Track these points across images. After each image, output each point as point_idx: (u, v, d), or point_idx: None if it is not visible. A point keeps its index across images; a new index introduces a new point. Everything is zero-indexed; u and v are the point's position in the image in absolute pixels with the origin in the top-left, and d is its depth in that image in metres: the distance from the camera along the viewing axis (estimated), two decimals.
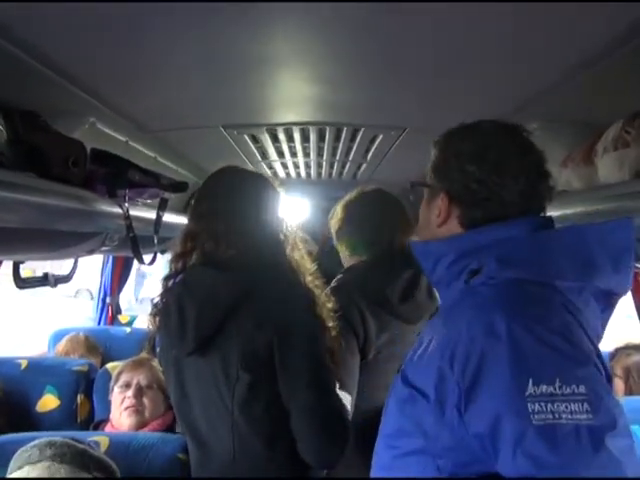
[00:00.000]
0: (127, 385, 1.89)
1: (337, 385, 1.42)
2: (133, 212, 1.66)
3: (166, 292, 1.42)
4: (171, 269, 1.44)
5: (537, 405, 0.80)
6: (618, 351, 2.01)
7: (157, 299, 1.44)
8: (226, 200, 1.44)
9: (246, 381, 1.33)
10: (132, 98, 1.49)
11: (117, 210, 1.58)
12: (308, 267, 1.49)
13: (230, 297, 1.35)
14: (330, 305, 1.45)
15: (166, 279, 1.44)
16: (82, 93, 1.36)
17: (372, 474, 1.06)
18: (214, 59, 1.20)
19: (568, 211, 1.27)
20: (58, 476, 1.16)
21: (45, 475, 1.16)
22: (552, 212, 1.34)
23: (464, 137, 1.06)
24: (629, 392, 1.93)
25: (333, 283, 1.73)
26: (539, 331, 0.84)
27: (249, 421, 1.34)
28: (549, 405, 0.79)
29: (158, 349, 1.50)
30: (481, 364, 0.85)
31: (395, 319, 1.63)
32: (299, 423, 1.32)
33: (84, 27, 1.01)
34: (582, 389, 0.80)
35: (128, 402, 1.86)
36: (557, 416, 0.79)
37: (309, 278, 1.46)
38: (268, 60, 1.22)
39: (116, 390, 1.90)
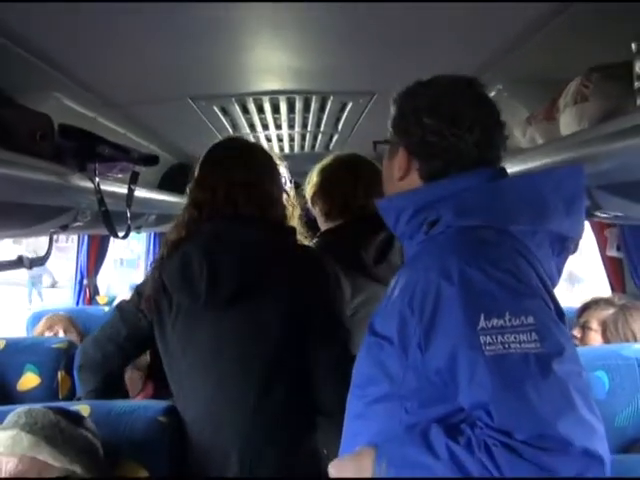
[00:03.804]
0: None
1: None
2: (104, 187, 1.65)
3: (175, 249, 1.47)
4: (179, 233, 1.49)
5: (488, 337, 0.85)
6: (589, 306, 2.06)
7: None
8: (238, 167, 1.51)
9: (278, 341, 1.44)
10: (96, 71, 1.48)
11: (88, 184, 1.57)
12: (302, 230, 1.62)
13: (265, 252, 1.46)
14: None
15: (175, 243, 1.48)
16: (45, 66, 1.34)
17: (345, 424, 1.10)
18: (179, 28, 1.20)
19: (531, 165, 1.30)
20: (20, 445, 1.17)
21: (9, 443, 1.17)
22: (516, 168, 1.38)
23: (420, 92, 1.10)
24: (607, 343, 1.98)
25: None
26: (489, 270, 0.90)
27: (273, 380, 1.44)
28: (499, 337, 0.85)
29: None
30: (437, 304, 0.91)
31: (370, 280, 1.66)
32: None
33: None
34: (530, 320, 0.86)
35: None
36: (507, 346, 0.84)
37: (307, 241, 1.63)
38: (234, 27, 1.22)
39: None
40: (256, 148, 1.61)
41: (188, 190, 1.55)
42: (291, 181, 1.70)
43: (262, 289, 1.44)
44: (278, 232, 1.52)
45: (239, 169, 1.50)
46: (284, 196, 1.58)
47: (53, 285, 13.26)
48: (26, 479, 1.17)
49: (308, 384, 1.47)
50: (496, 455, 0.81)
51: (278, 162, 1.61)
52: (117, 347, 1.53)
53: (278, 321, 1.44)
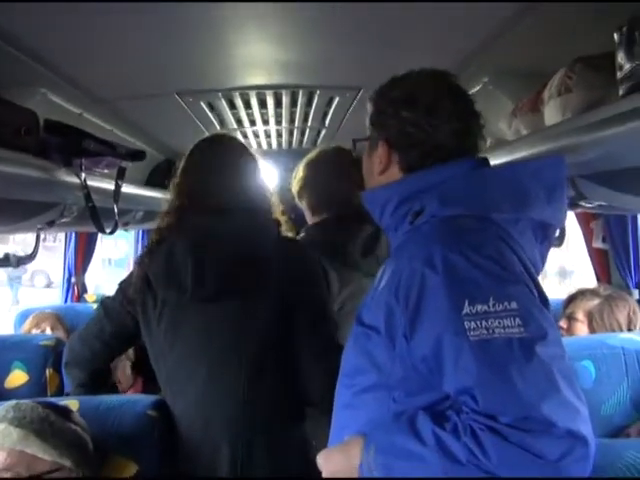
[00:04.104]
0: None
1: None
2: (91, 182, 1.64)
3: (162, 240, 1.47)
4: (169, 222, 1.50)
5: (473, 323, 0.86)
6: (575, 296, 2.07)
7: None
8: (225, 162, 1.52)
9: (265, 333, 1.45)
10: (83, 67, 1.47)
11: (74, 180, 1.57)
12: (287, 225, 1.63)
13: (251, 245, 1.46)
14: None
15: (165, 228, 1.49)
16: (31, 61, 1.34)
17: (334, 414, 1.11)
18: (166, 23, 1.20)
19: (517, 155, 1.32)
20: (9, 439, 1.16)
21: None
22: (501, 159, 1.39)
23: (396, 87, 1.12)
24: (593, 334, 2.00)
25: None
26: (473, 257, 0.91)
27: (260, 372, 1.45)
28: (484, 322, 0.86)
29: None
30: (421, 292, 0.92)
31: (357, 274, 1.67)
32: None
33: None
34: (514, 305, 0.87)
35: None
36: (491, 331, 0.85)
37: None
38: (220, 22, 1.22)
39: None
40: (242, 145, 1.62)
41: (173, 183, 1.55)
42: (275, 178, 1.72)
43: (248, 282, 1.44)
44: (264, 225, 1.53)
45: (226, 163, 1.50)
46: (267, 193, 1.59)
47: (48, 285, 13.16)
48: (16, 478, 1.16)
49: (296, 375, 1.48)
50: (482, 439, 0.82)
51: (263, 160, 1.62)
52: (103, 344, 1.54)
53: (265, 314, 1.45)
